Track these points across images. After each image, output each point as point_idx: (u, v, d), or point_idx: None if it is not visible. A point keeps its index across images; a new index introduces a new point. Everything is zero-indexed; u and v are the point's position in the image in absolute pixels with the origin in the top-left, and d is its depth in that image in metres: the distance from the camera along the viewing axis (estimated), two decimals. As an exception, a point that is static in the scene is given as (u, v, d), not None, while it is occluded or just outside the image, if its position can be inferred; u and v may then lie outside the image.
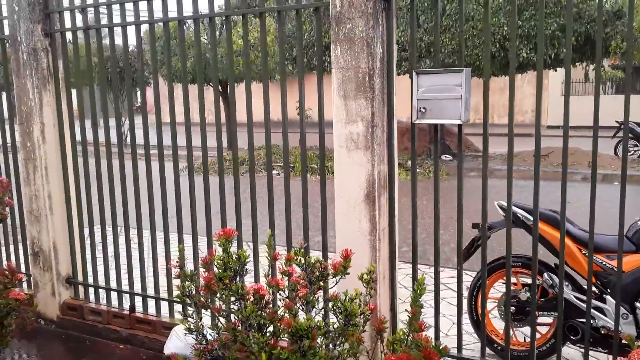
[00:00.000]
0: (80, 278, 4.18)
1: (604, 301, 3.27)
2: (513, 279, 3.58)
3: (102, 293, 4.15)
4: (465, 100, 2.66)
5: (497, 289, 4.14)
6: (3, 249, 4.61)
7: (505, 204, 3.56)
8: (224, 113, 14.66)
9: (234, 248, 2.39)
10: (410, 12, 2.86)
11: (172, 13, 3.50)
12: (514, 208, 3.44)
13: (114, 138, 3.92)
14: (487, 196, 2.83)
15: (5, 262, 4.50)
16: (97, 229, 4.09)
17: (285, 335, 2.16)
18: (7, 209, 3.44)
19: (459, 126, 2.78)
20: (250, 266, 2.49)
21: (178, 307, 3.82)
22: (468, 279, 4.07)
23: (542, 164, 12.93)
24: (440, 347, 1.91)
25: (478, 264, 4.54)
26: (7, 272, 2.87)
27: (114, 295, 4.09)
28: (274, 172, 12.72)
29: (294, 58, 14.69)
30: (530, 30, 11.57)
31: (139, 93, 3.56)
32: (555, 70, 14.15)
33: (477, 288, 3.68)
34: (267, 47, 3.28)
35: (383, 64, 2.87)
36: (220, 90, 15.02)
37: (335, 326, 2.19)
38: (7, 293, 2.91)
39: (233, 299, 2.28)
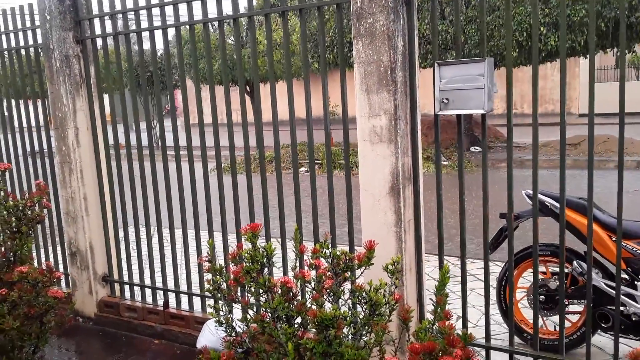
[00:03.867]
0: (115, 276, 4.31)
1: (635, 288, 3.23)
2: (542, 268, 3.57)
3: (137, 290, 4.28)
4: (488, 89, 2.66)
5: (526, 279, 4.10)
6: (42, 250, 4.78)
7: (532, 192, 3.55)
8: (251, 113, 14.83)
9: (263, 243, 2.45)
10: (431, 4, 2.86)
11: (198, 16, 3.58)
12: (541, 196, 3.42)
13: (144, 140, 4.03)
14: (512, 185, 2.83)
15: (44, 263, 4.67)
16: (131, 229, 4.21)
17: (313, 326, 2.21)
18: (45, 211, 3.56)
19: (483, 116, 2.78)
20: (279, 261, 2.54)
21: (210, 302, 3.91)
22: (497, 269, 4.06)
23: (574, 153, 12.70)
24: (465, 335, 1.93)
25: (505, 254, 4.53)
26: (45, 271, 2.99)
27: (148, 292, 4.21)
28: (302, 169, 12.80)
29: (318, 55, 14.74)
30: (558, 18, 11.36)
31: (168, 96, 3.67)
32: (586, 58, 13.86)
33: (506, 278, 3.67)
34: (290, 46, 3.33)
35: (405, 57, 2.89)
36: (248, 90, 15.19)
37: (361, 316, 2.23)
38: (46, 291, 3.03)
39: (261, 291, 2.33)
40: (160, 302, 4.10)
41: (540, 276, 3.48)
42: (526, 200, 3.57)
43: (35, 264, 3.54)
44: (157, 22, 3.76)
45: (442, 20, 11.92)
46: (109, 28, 3.99)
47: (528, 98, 24.14)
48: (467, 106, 2.75)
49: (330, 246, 2.41)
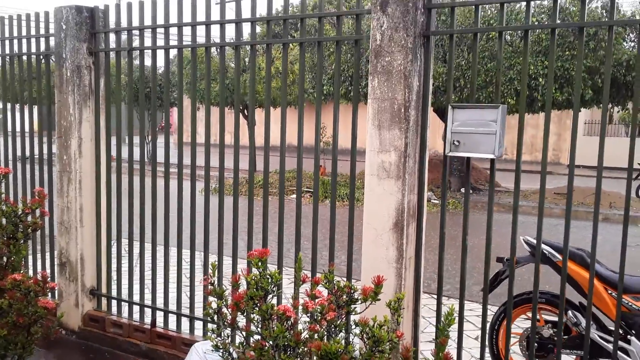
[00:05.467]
0: (104, 290, 4.24)
1: (628, 342, 3.23)
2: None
3: (125, 306, 4.20)
4: (499, 135, 2.70)
5: (518, 325, 4.11)
6: (30, 257, 4.69)
7: (531, 239, 3.58)
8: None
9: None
10: (449, 49, 2.92)
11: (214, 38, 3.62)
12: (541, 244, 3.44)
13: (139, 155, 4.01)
14: (516, 230, 2.85)
15: (31, 271, 4.59)
16: (124, 243, 4.15)
17: (313, 358, 2.18)
18: (40, 219, 3.52)
19: (492, 161, 2.82)
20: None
21: (198, 324, 3.86)
22: (488, 313, 4.03)
23: (563, 202, 12.84)
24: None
25: (499, 298, 4.52)
26: (39, 281, 2.93)
27: (135, 309, 4.14)
28: (293, 196, 12.78)
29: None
30: (557, 71, 11.62)
31: (175, 112, 3.67)
32: (579, 111, 14.13)
33: (499, 322, 3.66)
34: (305, 76, 3.37)
35: (419, 96, 2.94)
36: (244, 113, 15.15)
37: (362, 352, 2.21)
38: (37, 301, 2.97)
39: (261, 318, 2.30)
40: (148, 320, 4.03)
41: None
42: (524, 247, 3.60)
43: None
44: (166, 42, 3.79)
45: (444, 63, 12.13)
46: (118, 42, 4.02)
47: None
48: (478, 150, 2.79)
49: (333, 277, 2.40)
